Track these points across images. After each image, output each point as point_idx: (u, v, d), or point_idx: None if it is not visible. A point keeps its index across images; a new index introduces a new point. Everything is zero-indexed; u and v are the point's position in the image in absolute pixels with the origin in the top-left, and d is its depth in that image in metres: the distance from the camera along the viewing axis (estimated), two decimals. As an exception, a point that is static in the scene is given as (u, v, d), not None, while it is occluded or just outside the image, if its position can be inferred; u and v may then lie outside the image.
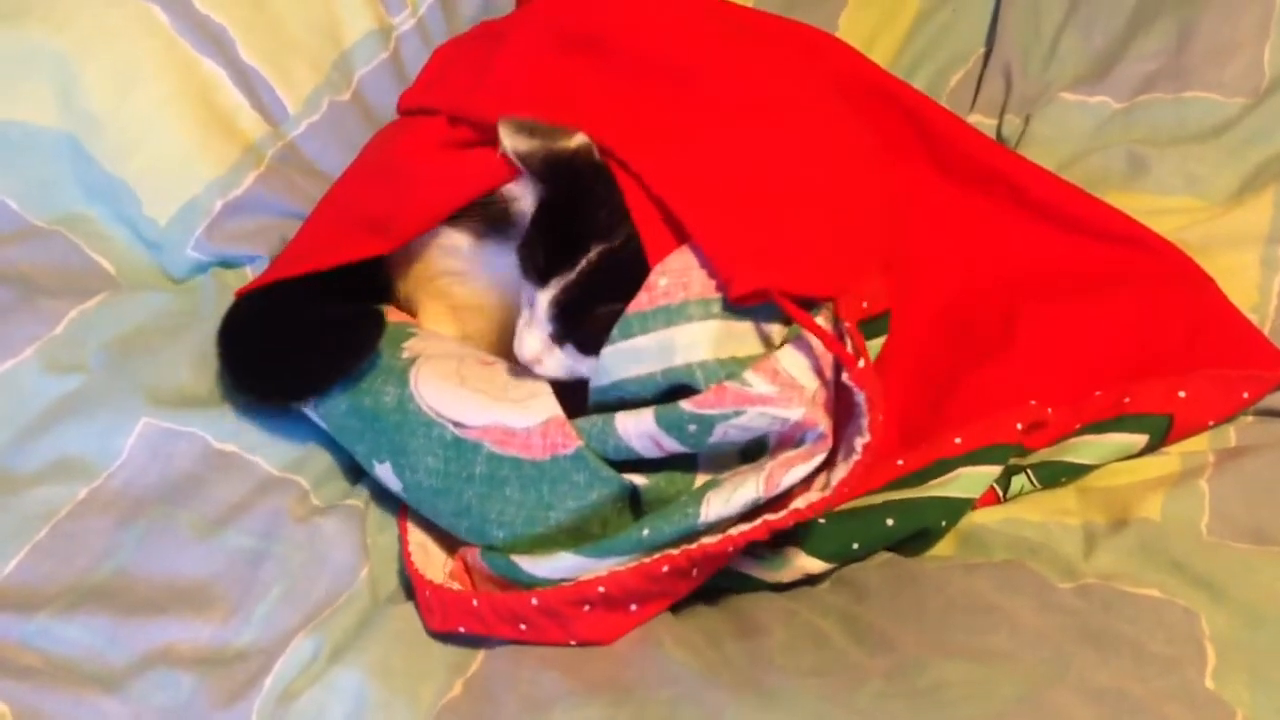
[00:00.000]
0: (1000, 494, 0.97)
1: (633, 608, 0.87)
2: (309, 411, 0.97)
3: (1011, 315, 1.07)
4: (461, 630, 0.88)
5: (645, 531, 0.85)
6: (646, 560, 0.85)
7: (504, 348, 0.94)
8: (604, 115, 0.93)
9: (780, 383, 0.83)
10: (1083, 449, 0.98)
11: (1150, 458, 0.98)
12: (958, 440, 0.96)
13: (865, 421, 0.82)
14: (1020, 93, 1.28)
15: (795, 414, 0.82)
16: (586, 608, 0.86)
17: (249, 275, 1.11)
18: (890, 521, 0.92)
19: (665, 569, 0.85)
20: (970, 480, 0.94)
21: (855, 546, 0.92)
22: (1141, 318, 1.04)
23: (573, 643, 0.87)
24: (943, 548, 0.96)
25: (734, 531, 0.84)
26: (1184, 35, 1.22)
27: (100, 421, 0.96)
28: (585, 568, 0.86)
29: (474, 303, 1.01)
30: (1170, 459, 0.97)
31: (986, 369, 1.03)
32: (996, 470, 0.95)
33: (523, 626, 0.87)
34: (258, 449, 0.98)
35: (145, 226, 1.09)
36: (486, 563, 0.90)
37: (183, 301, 1.07)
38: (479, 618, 0.88)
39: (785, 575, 0.91)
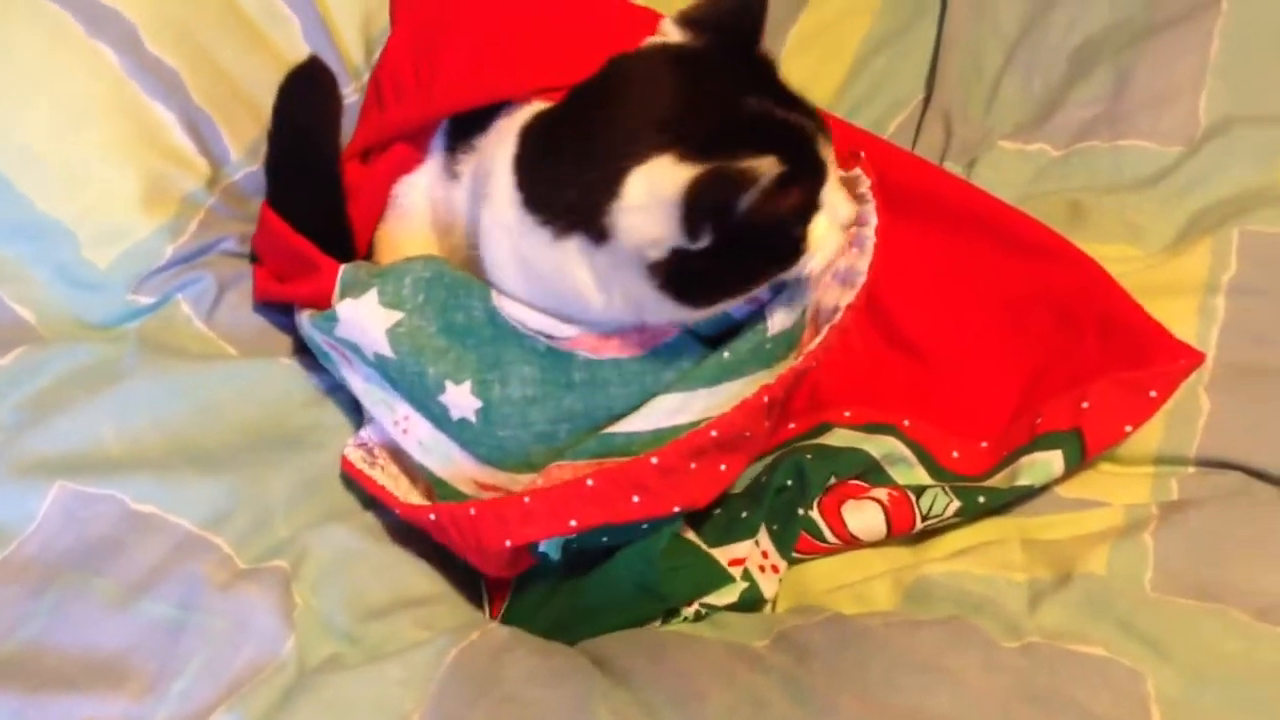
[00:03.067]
0: (915, 508, 0.99)
1: (723, 466, 0.94)
2: (361, 344, 0.99)
3: (930, 330, 1.09)
4: (564, 528, 0.92)
5: (725, 354, 0.93)
6: (749, 396, 0.92)
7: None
8: None
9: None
10: (1002, 477, 0.99)
11: (1094, 511, 0.97)
12: (847, 414, 1.06)
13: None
14: (960, 139, 1.28)
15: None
16: (693, 464, 0.92)
17: (183, 314, 1.08)
18: (808, 457, 1.02)
19: (765, 400, 0.93)
20: (857, 441, 1.03)
21: (789, 482, 1.02)
22: (1054, 331, 1.05)
23: (676, 509, 0.92)
24: (887, 601, 0.94)
25: (810, 346, 0.97)
26: (1121, 82, 1.22)
27: (12, 486, 0.93)
28: (683, 405, 0.93)
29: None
30: (1114, 512, 0.96)
31: (903, 376, 1.07)
32: (888, 440, 1.03)
33: (636, 499, 0.91)
34: (178, 507, 0.94)
35: (81, 270, 1.06)
36: (577, 455, 0.94)
37: (106, 352, 1.03)
38: (588, 501, 0.91)
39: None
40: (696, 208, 0.81)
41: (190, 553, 0.92)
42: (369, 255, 1.09)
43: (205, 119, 1.13)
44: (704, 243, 0.83)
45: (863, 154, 1.07)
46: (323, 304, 1.00)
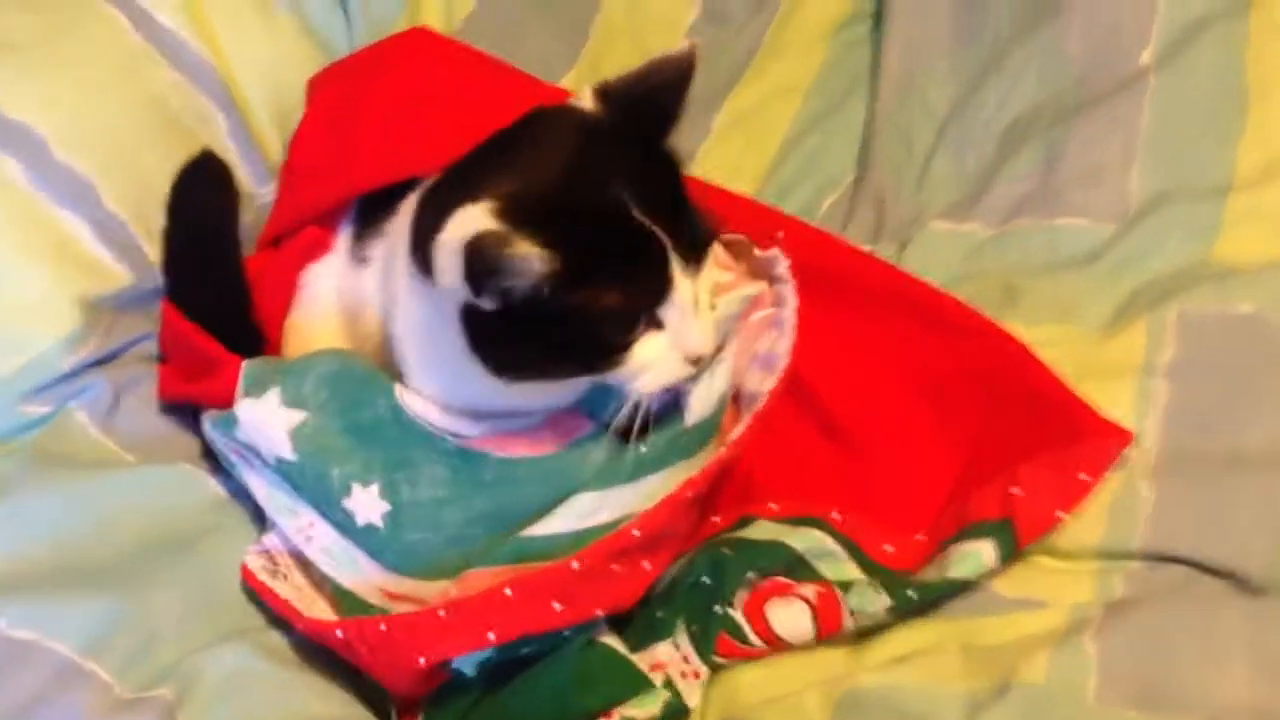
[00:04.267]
0: (843, 605, 0.94)
1: (646, 565, 0.90)
2: (263, 447, 0.95)
3: (858, 415, 1.06)
4: (483, 641, 0.87)
5: (643, 447, 0.90)
6: (672, 490, 0.89)
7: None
8: None
9: (730, 268, 1.04)
10: (932, 569, 0.95)
11: (1035, 612, 0.91)
12: (773, 506, 1.01)
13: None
14: (893, 219, 1.25)
15: (755, 290, 1.02)
16: (616, 566, 0.88)
17: (78, 422, 1.04)
18: (726, 551, 0.98)
19: (690, 495, 0.89)
20: (780, 534, 0.98)
21: (705, 579, 0.97)
22: (983, 414, 1.02)
23: (600, 613, 0.89)
24: (818, 716, 0.88)
25: (734, 434, 0.94)
26: (1052, 159, 1.19)
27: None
28: (601, 503, 0.90)
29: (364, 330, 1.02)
30: (1056, 613, 0.90)
31: (832, 466, 1.04)
32: (814, 533, 0.98)
33: (558, 606, 0.87)
34: (59, 631, 0.89)
35: (-26, 384, 1.01)
36: (493, 560, 0.90)
37: (-7, 468, 0.98)
38: (507, 611, 0.86)
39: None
40: (472, 267, 0.79)
41: (69, 682, 0.86)
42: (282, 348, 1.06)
43: (119, 224, 1.10)
44: (490, 305, 0.81)
45: (780, 234, 1.05)
46: (227, 403, 0.96)
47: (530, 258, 0.77)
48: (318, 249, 1.05)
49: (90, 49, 1.14)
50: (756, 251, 1.05)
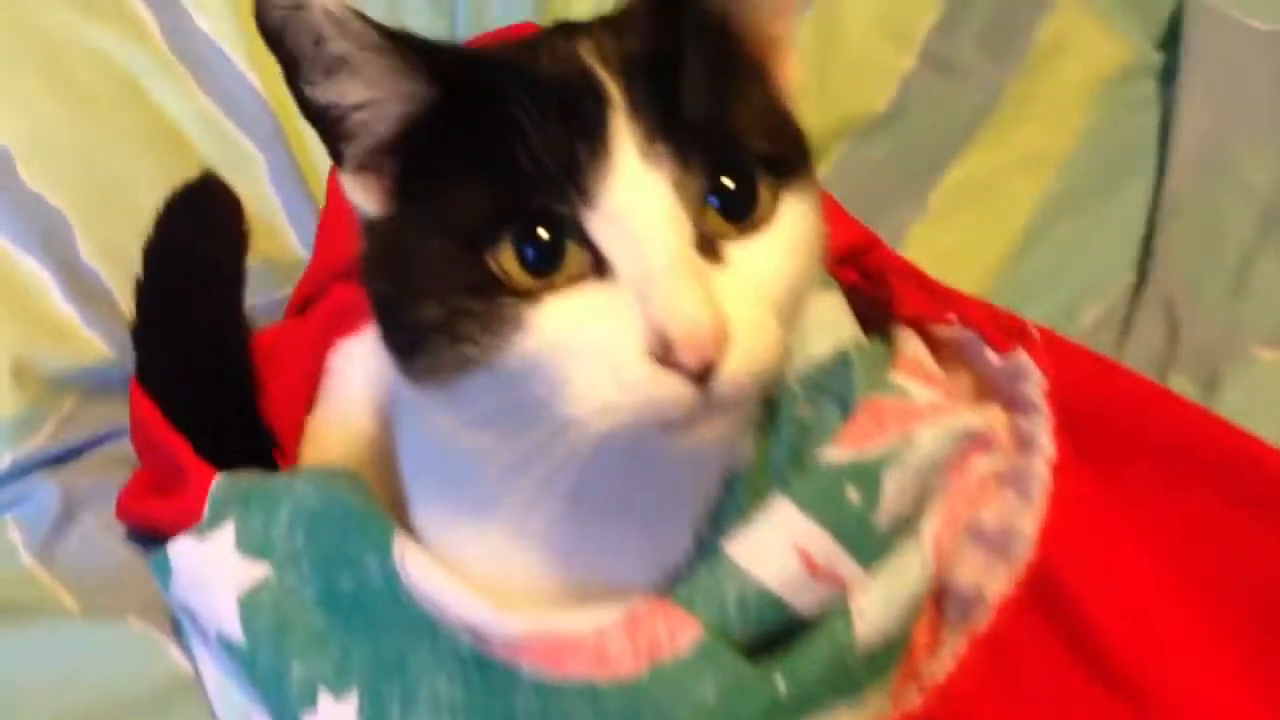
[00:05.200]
0: None
1: None
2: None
3: (1146, 647, 0.67)
4: None
5: (780, 683, 0.57)
6: None
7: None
8: None
9: (935, 384, 0.65)
10: None
11: None
12: None
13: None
14: (1193, 341, 0.93)
15: (977, 422, 0.64)
16: None
17: (8, 544, 0.83)
18: None
19: None
20: None
21: None
22: None
23: None
24: None
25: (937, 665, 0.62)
26: None
27: None
28: None
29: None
30: None
31: None
32: None
33: None
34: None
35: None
36: None
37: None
38: None
39: None
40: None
41: None
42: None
43: (96, 279, 0.92)
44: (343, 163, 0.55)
45: (1035, 330, 0.70)
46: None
47: (318, 7, 0.51)
48: (354, 317, 0.77)
49: (93, 51, 0.93)
50: (989, 354, 0.68)
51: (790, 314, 0.53)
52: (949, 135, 1.10)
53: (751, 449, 0.61)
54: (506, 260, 0.50)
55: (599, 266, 0.50)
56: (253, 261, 0.88)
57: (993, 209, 1.06)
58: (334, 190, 0.84)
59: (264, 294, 0.93)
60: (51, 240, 0.90)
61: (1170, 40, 1.14)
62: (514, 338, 0.50)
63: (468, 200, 0.51)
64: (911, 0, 1.15)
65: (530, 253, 0.50)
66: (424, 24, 1.06)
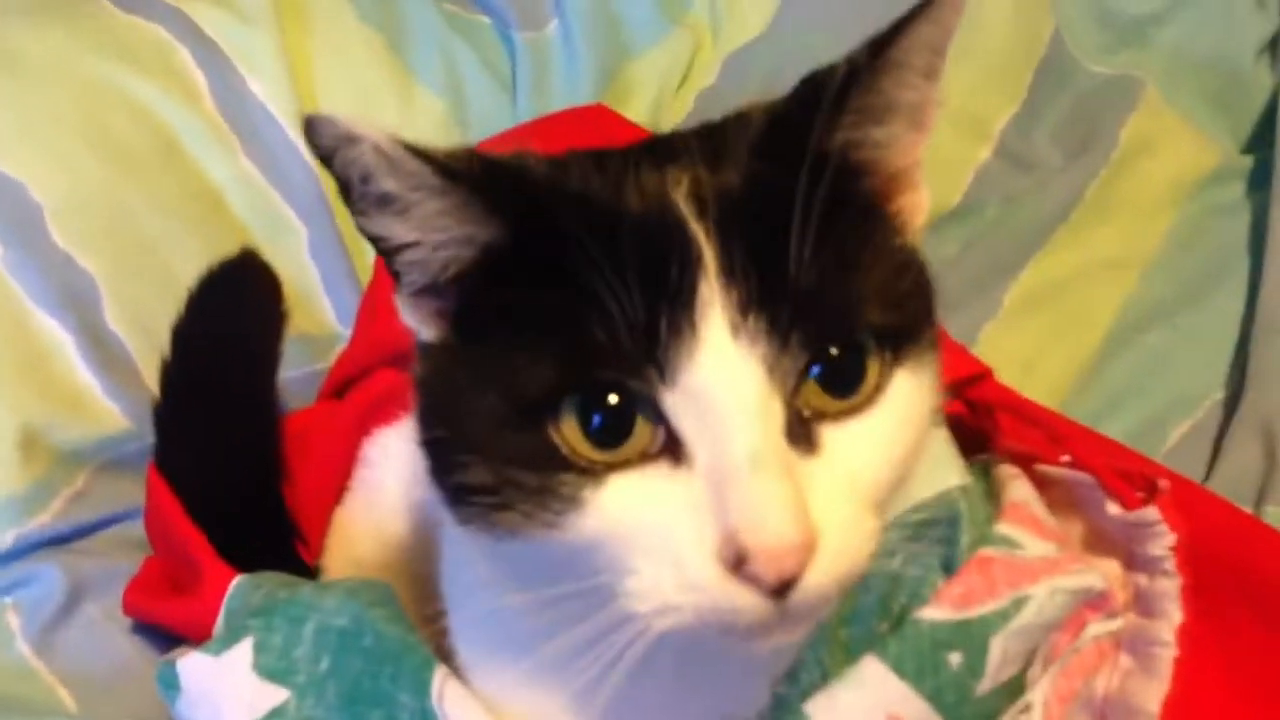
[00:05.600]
0: None
1: None
2: None
3: None
4: None
5: None
6: None
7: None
8: None
9: (1046, 533, 0.56)
10: None
11: None
12: None
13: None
14: None
15: (1096, 581, 0.56)
16: None
17: (5, 630, 0.77)
18: None
19: None
20: None
21: None
22: None
23: None
24: None
25: None
26: None
27: None
28: None
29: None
30: None
31: None
32: None
33: None
34: None
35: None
36: None
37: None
38: None
39: None
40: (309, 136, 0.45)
41: None
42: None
43: (120, 346, 0.86)
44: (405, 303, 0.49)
45: (1164, 485, 0.61)
46: (203, 637, 0.62)
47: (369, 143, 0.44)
48: (395, 406, 0.70)
49: (138, 108, 0.88)
50: (1111, 508, 0.60)
51: (887, 501, 0.46)
52: (1025, 233, 1.04)
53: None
54: (568, 429, 0.43)
55: (673, 447, 0.43)
56: (287, 335, 0.82)
57: (1071, 313, 0.99)
58: (381, 269, 0.78)
59: (296, 369, 0.87)
60: (77, 302, 0.85)
61: (1258, 143, 1.08)
62: (571, 517, 0.43)
63: (529, 364, 0.44)
64: (989, 91, 1.09)
65: (597, 420, 0.43)
66: (484, 97, 1.01)
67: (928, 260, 0.50)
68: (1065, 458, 0.61)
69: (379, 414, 0.73)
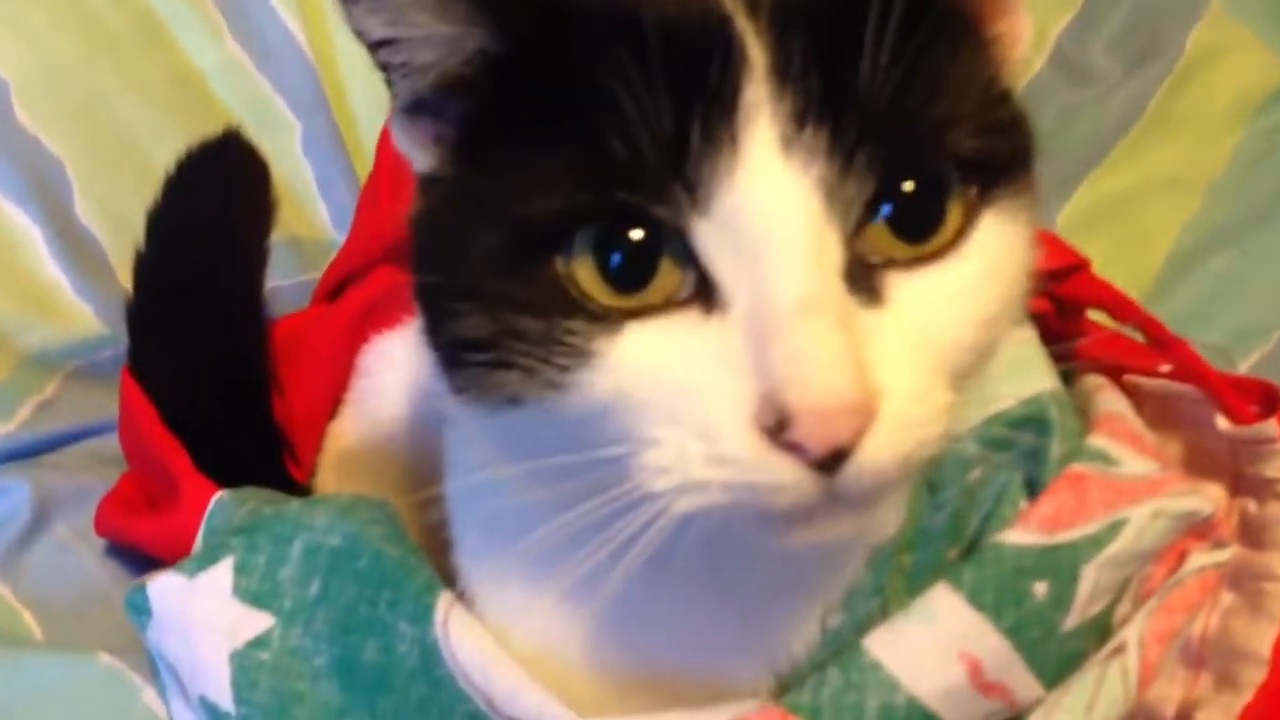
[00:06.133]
0: None
1: None
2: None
3: None
4: None
5: None
6: None
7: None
8: None
9: (1146, 449, 0.51)
10: None
11: None
12: None
13: None
14: None
15: (1204, 505, 0.50)
16: None
17: None
18: None
19: None
20: None
21: None
22: None
23: None
24: None
25: None
26: None
27: None
28: None
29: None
30: None
31: None
32: None
33: None
34: None
35: None
36: None
37: None
38: None
39: None
40: None
41: None
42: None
43: (93, 241, 0.81)
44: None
45: None
46: (179, 556, 0.57)
47: None
48: (396, 308, 0.65)
49: None
50: (1221, 423, 0.53)
51: (967, 375, 0.39)
52: (1081, 149, 0.97)
53: (900, 514, 0.47)
54: (581, 268, 0.37)
55: (705, 291, 0.36)
56: (277, 238, 0.76)
57: (1130, 235, 0.93)
58: (385, 150, 0.72)
59: (287, 276, 0.82)
60: (45, 191, 0.80)
61: (1331, 58, 1.01)
62: (580, 374, 0.36)
63: (535, 186, 0.37)
64: (1043, -3, 1.02)
65: (616, 260, 0.36)
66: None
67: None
68: (1165, 367, 0.54)
69: (378, 317, 0.67)
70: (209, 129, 0.77)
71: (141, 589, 0.53)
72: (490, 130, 0.40)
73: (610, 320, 0.36)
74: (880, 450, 0.35)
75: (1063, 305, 0.58)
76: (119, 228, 0.79)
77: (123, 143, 0.81)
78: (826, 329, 0.34)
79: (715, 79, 0.35)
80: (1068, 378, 0.54)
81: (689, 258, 0.36)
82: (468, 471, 0.51)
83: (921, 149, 0.37)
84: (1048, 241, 0.61)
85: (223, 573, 0.51)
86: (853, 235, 0.36)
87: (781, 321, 0.34)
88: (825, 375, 0.34)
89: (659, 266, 0.36)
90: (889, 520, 0.47)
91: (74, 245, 0.79)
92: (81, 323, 0.78)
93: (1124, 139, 0.98)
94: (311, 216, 0.84)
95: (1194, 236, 0.92)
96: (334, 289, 0.71)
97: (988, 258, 0.38)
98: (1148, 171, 0.96)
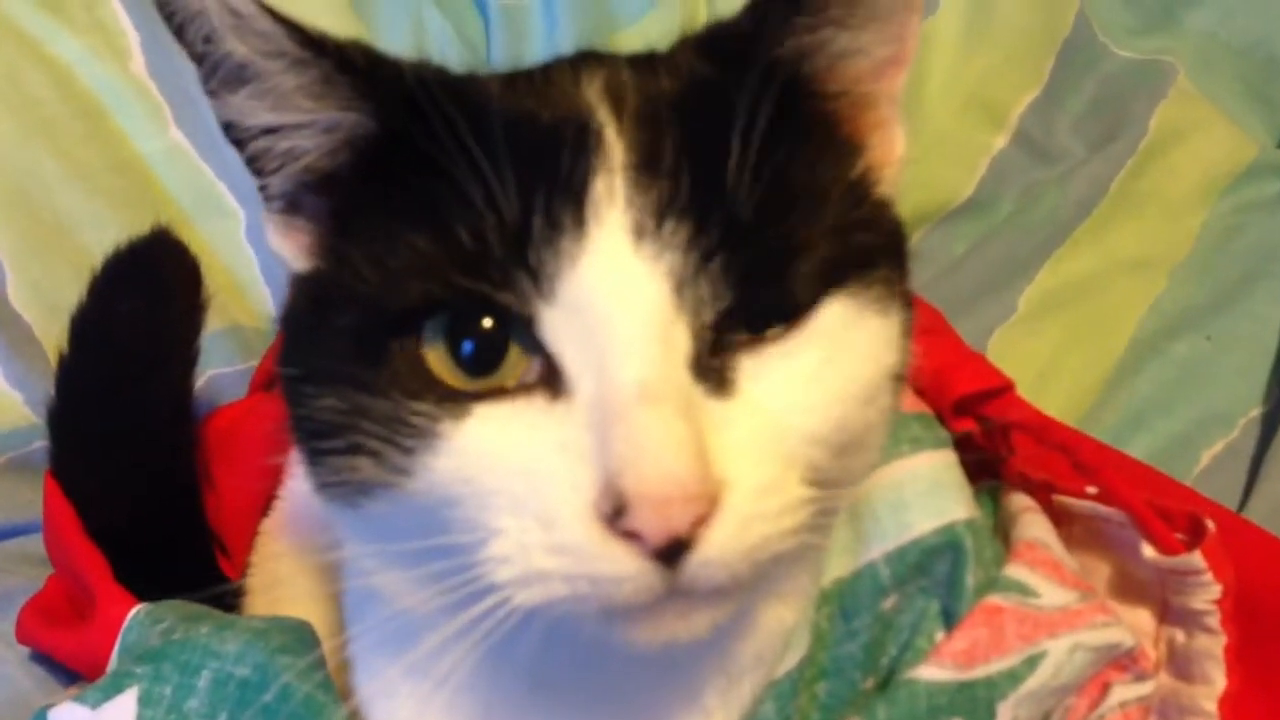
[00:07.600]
0: None
1: None
2: None
3: None
4: None
5: None
6: None
7: None
8: None
9: (1066, 578, 0.49)
10: None
11: None
12: None
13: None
14: None
15: (1123, 637, 0.49)
16: None
17: None
18: None
19: None
20: None
21: None
22: None
23: None
24: None
25: None
26: None
27: None
28: None
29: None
30: None
31: None
32: None
33: None
34: None
35: None
36: None
37: None
38: None
39: None
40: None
41: None
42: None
43: (24, 329, 0.79)
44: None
45: (1210, 525, 0.54)
46: (97, 672, 0.55)
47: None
48: None
49: (60, 65, 0.82)
50: (1146, 551, 0.52)
51: (827, 469, 0.38)
52: (1043, 229, 0.97)
53: (805, 642, 0.45)
54: (432, 354, 0.37)
55: (551, 377, 0.36)
56: (219, 326, 0.74)
57: (1092, 318, 0.92)
58: None
59: (229, 364, 0.80)
60: None
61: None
62: (426, 458, 0.36)
63: (389, 274, 0.38)
64: (1006, 74, 1.03)
65: (468, 348, 0.37)
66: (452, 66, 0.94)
67: (935, 256, 0.43)
68: (1092, 489, 0.53)
69: None
70: (150, 217, 0.76)
71: (43, 715, 0.51)
72: (354, 221, 0.40)
73: (458, 402, 0.37)
74: (724, 542, 0.34)
75: (987, 424, 0.57)
76: (53, 315, 0.77)
77: (60, 229, 0.80)
78: (667, 416, 0.34)
79: (566, 169, 0.36)
80: (996, 494, 0.53)
81: (535, 344, 0.36)
82: (352, 576, 0.51)
83: (779, 261, 0.38)
84: (973, 362, 0.60)
85: (127, 703, 0.49)
86: (704, 330, 0.37)
87: (622, 407, 0.34)
88: (662, 461, 0.33)
89: (509, 351, 0.37)
90: (782, 650, 0.45)
91: (6, 332, 0.78)
92: (11, 412, 0.76)
93: (1087, 219, 0.98)
94: (254, 305, 0.82)
95: (1157, 320, 0.92)
96: (272, 378, 0.70)
97: (833, 341, 0.38)
98: (1111, 253, 0.96)
